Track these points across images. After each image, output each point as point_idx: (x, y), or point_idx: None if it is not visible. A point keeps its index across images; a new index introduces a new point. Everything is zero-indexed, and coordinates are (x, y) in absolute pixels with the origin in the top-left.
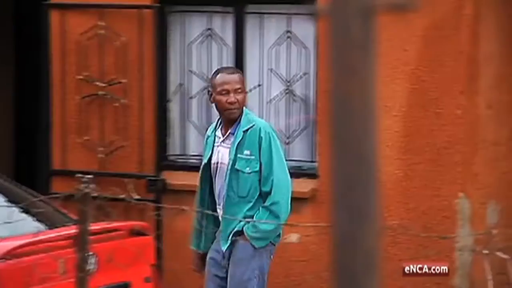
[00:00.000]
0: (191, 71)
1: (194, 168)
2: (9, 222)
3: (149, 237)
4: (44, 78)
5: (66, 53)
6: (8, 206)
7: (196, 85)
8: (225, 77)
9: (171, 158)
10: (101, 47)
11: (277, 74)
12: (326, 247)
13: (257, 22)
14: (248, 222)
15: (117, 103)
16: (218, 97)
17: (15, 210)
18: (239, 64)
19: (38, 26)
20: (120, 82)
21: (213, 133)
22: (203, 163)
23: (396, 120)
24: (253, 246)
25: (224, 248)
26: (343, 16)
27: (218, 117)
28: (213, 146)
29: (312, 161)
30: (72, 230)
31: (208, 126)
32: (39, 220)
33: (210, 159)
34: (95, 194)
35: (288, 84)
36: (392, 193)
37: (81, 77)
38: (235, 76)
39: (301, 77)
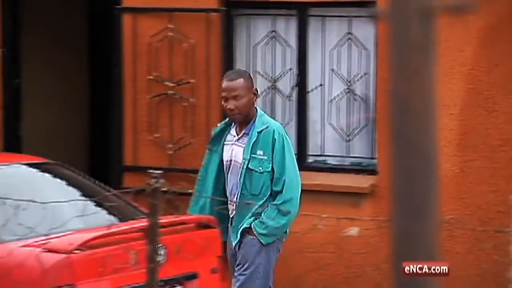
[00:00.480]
0: (256, 72)
1: None
2: (84, 215)
3: (216, 230)
4: (116, 79)
5: (137, 55)
6: (83, 200)
7: (261, 85)
8: (225, 84)
9: None
10: (171, 48)
11: (338, 74)
12: (385, 240)
13: (319, 24)
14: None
15: (185, 102)
16: (222, 103)
17: (90, 203)
18: (302, 64)
19: (111, 29)
20: (188, 82)
21: (226, 129)
22: (211, 154)
23: (452, 119)
24: (261, 242)
25: (234, 243)
26: (402, 18)
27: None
28: (224, 143)
29: (371, 158)
30: (143, 223)
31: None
32: (112, 213)
33: (222, 155)
34: (165, 189)
35: (349, 84)
36: (449, 189)
37: (151, 77)
38: (234, 83)
39: (361, 77)
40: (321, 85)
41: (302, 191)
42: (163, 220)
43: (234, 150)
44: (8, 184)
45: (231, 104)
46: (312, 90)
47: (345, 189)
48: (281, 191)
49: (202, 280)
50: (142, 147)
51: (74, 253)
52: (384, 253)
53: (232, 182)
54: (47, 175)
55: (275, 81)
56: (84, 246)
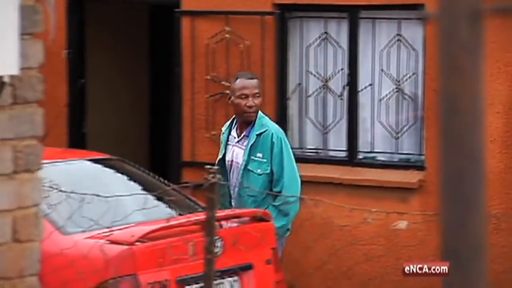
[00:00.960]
0: (308, 72)
1: (310, 160)
2: (144, 209)
3: (270, 223)
4: (176, 79)
5: (195, 56)
6: (144, 194)
7: (313, 84)
8: (245, 82)
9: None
10: (227, 50)
11: (388, 74)
12: (433, 233)
13: (369, 26)
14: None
15: None
16: (237, 101)
17: (150, 197)
18: (352, 65)
19: (171, 32)
20: None
21: (227, 131)
22: (218, 158)
23: (498, 117)
24: None
25: None
26: (451, 19)
27: (233, 116)
28: (227, 143)
29: (420, 154)
30: (201, 216)
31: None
32: (171, 207)
33: (224, 156)
34: (222, 183)
35: (398, 83)
36: (494, 184)
37: (209, 77)
38: (254, 82)
39: (410, 77)
40: (370, 84)
41: (353, 186)
42: (220, 213)
43: (235, 151)
44: (73, 179)
45: (251, 102)
46: (362, 90)
47: (394, 184)
48: (280, 192)
49: (257, 271)
50: (199, 144)
51: (135, 244)
52: (432, 246)
53: (233, 181)
54: (110, 170)
55: (326, 81)
56: (145, 238)
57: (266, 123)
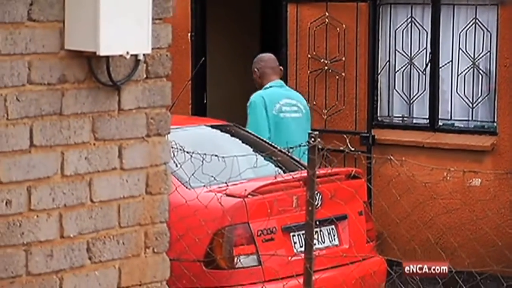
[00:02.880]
0: (396, 51)
1: (397, 127)
2: (255, 167)
3: (362, 180)
4: (282, 57)
5: (299, 38)
6: (255, 155)
7: (400, 62)
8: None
9: (380, 118)
10: (327, 32)
11: (465, 53)
12: (503, 189)
13: (450, 11)
14: None
15: (338, 76)
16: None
17: (260, 158)
18: (434, 45)
19: (279, 17)
20: (341, 60)
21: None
22: None
23: None
24: None
25: None
26: None
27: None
28: None
29: (492, 122)
30: (303, 174)
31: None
32: (278, 166)
33: None
34: (321, 147)
35: (474, 60)
36: None
37: (310, 56)
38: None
39: (484, 55)
40: (450, 61)
41: (434, 149)
42: (320, 171)
43: None
44: (196, 142)
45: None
46: (442, 66)
47: (469, 147)
48: None
49: (350, 221)
50: None
51: (248, 197)
52: (503, 201)
53: None
54: (226, 134)
55: (412, 59)
56: (256, 192)
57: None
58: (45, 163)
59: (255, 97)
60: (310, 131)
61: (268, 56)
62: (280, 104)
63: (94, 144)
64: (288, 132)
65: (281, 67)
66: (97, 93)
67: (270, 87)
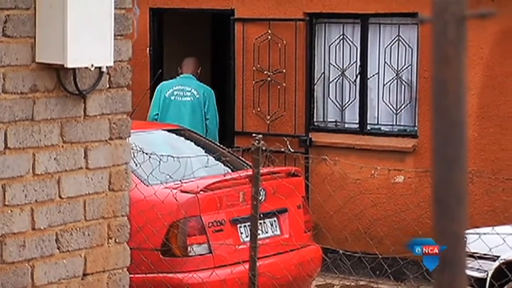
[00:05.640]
0: (330, 64)
1: (331, 130)
2: (206, 166)
3: (300, 178)
4: (231, 69)
5: (245, 52)
6: (206, 155)
7: (333, 73)
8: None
9: (316, 123)
10: (269, 47)
11: (390, 65)
12: (423, 186)
13: (377, 29)
14: None
15: (279, 86)
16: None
17: (211, 158)
18: (363, 59)
19: (227, 33)
20: (282, 72)
21: None
22: None
23: (473, 97)
24: None
25: None
26: (442, 23)
27: None
28: None
29: (414, 126)
30: (249, 172)
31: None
32: (226, 165)
33: None
34: (265, 148)
35: (397, 72)
36: (470, 148)
37: (255, 68)
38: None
39: (406, 67)
40: (377, 73)
41: (363, 150)
42: (263, 170)
43: None
44: (153, 144)
45: None
46: (370, 77)
47: (394, 148)
48: None
49: (290, 214)
50: (248, 118)
51: (200, 193)
52: (423, 195)
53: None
54: (181, 137)
55: (344, 71)
56: (207, 188)
57: None
58: (18, 163)
59: (160, 85)
60: (254, 134)
61: (187, 59)
62: (173, 89)
63: (62, 146)
64: (178, 111)
65: (200, 68)
66: (65, 101)
67: (179, 78)
